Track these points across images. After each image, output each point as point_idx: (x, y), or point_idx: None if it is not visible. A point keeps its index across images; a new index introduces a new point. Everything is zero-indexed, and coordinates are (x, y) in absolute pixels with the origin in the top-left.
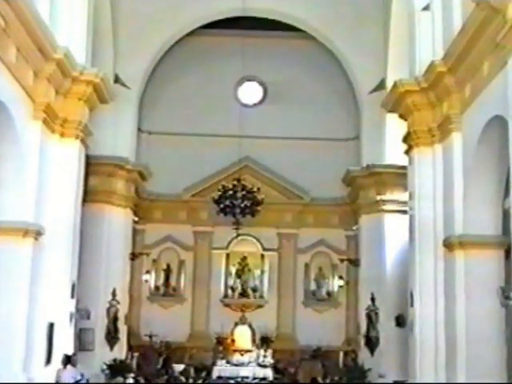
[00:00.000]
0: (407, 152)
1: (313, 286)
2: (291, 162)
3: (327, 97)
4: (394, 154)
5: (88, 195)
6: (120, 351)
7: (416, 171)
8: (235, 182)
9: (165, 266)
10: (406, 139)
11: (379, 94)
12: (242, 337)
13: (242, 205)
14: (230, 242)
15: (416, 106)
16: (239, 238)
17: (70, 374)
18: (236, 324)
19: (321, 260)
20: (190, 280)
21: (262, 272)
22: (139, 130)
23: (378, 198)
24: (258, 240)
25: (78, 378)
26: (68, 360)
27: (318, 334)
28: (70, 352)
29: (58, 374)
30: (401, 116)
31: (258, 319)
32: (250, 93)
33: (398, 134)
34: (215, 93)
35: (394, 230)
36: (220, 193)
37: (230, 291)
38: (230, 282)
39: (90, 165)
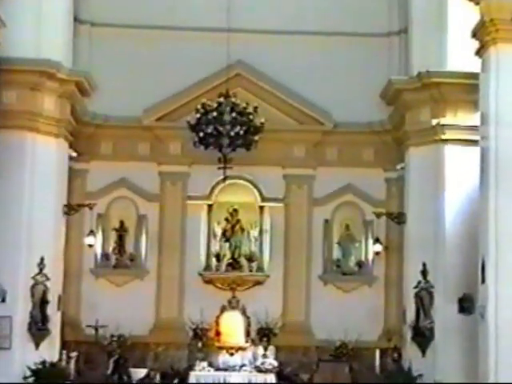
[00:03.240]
0: (479, 52)
1: (336, 254)
2: (305, 69)
3: None
4: (459, 55)
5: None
6: (51, 350)
7: (492, 81)
8: (221, 99)
9: (117, 225)
10: (477, 33)
11: None
12: (232, 328)
13: (232, 133)
14: (213, 189)
15: None
16: (227, 182)
17: None
18: (223, 309)
19: (348, 215)
20: (154, 244)
21: (262, 232)
22: (76, 19)
23: (435, 121)
24: (256, 185)
25: None
26: None
27: (344, 323)
28: None
29: None
30: None
31: (256, 302)
32: None
33: (465, 24)
34: None
35: (457, 168)
36: (199, 115)
37: (213, 261)
38: (215, 248)
39: (2, 72)
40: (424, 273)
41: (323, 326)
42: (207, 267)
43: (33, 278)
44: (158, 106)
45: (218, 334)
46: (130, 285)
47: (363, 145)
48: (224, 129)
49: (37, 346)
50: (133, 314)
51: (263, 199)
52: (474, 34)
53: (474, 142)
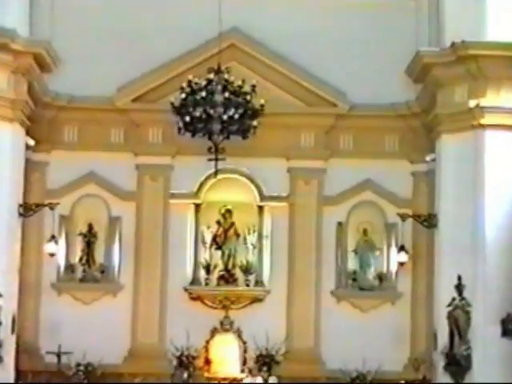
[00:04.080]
0: None
1: (352, 264)
2: (314, 38)
3: None
4: (501, 22)
5: None
6: (3, 381)
7: None
8: (212, 76)
9: (84, 229)
10: None
11: None
12: (225, 355)
13: (225, 116)
14: (202, 185)
15: None
16: (219, 176)
17: None
18: (214, 332)
19: (367, 217)
20: (130, 253)
21: (261, 238)
22: None
23: (473, 103)
24: (254, 181)
25: None
26: None
27: (362, 349)
28: None
29: None
30: None
31: (254, 323)
32: None
33: None
34: None
35: (500, 160)
36: (184, 95)
37: (202, 273)
38: (204, 257)
39: None
40: (459, 288)
41: (336, 352)
42: (194, 281)
43: None
44: (134, 83)
45: (207, 362)
46: (100, 302)
47: (385, 131)
48: (215, 112)
49: None
50: (103, 339)
51: (263, 198)
52: None
53: None
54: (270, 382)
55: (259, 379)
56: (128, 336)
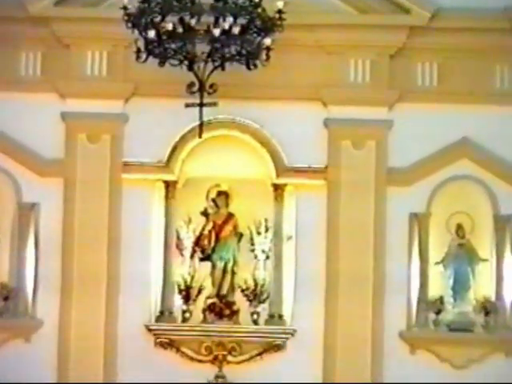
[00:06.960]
0: None
1: (436, 287)
2: None
3: None
4: None
5: None
6: None
7: None
8: None
9: None
10: None
11: None
12: None
13: (217, 31)
14: (176, 150)
15: None
16: (207, 134)
17: None
18: None
19: (462, 204)
20: (53, 266)
21: (280, 240)
22: None
23: None
24: (267, 143)
25: None
26: None
27: None
28: None
29: None
30: None
31: None
32: None
33: None
34: None
35: None
36: None
37: (177, 301)
38: (180, 273)
39: None
40: None
41: None
42: (165, 314)
43: None
44: None
45: None
46: (4, 351)
47: (493, 56)
48: (199, 22)
49: None
50: None
51: (283, 171)
52: None
53: None
54: None
55: None
56: None
